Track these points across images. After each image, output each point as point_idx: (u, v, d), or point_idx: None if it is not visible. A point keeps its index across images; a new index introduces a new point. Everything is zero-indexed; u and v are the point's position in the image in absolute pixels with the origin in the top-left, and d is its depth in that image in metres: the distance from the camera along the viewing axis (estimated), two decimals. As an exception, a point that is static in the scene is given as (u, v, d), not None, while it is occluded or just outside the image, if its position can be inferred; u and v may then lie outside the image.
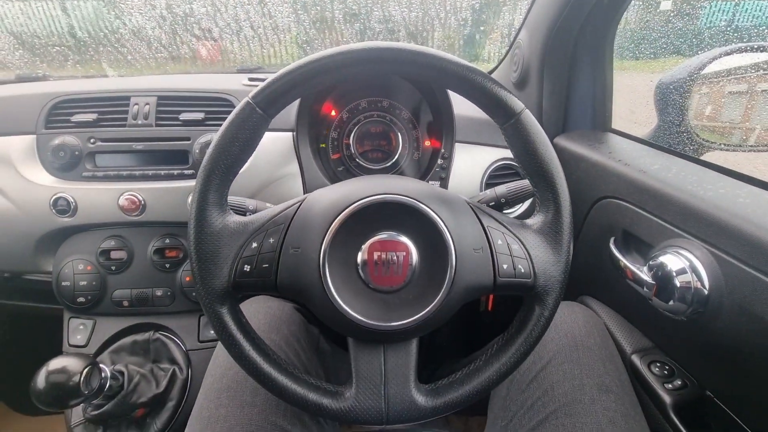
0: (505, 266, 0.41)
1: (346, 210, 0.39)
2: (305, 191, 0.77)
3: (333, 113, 0.81)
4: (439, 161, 0.78)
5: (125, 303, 0.83)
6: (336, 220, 0.39)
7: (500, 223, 0.43)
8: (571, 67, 0.77)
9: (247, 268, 0.40)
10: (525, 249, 0.41)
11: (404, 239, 0.40)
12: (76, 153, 0.77)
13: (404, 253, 0.39)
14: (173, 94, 0.81)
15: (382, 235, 0.39)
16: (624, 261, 0.56)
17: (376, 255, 0.39)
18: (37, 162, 0.78)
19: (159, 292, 0.83)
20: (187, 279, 0.83)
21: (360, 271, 0.40)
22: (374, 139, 0.81)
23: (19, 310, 1.00)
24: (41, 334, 1.19)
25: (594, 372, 0.52)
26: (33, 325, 1.19)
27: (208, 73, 1.05)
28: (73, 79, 0.99)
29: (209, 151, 0.40)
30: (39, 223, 0.79)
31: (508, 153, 0.80)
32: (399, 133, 0.81)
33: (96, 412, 0.69)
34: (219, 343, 0.62)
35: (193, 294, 0.82)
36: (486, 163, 0.80)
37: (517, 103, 0.40)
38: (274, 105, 0.40)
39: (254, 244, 0.41)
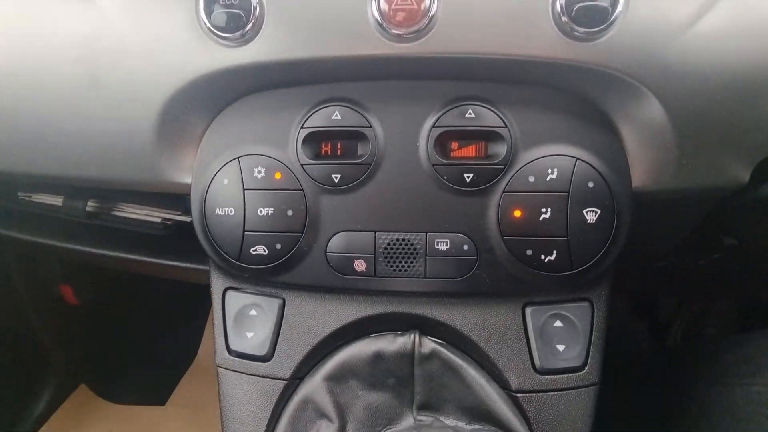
0: None
1: None
2: None
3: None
4: None
5: (360, 265, 0.41)
6: None
7: None
8: None
9: None
10: None
11: None
12: None
13: None
14: None
15: None
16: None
17: None
18: None
19: (443, 244, 0.40)
20: (516, 214, 0.38)
21: None
22: None
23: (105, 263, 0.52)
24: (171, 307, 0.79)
25: None
26: (143, 291, 0.79)
27: None
28: None
29: None
30: (170, 59, 0.37)
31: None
32: None
33: None
34: None
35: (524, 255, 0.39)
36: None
37: None
38: None
39: None
